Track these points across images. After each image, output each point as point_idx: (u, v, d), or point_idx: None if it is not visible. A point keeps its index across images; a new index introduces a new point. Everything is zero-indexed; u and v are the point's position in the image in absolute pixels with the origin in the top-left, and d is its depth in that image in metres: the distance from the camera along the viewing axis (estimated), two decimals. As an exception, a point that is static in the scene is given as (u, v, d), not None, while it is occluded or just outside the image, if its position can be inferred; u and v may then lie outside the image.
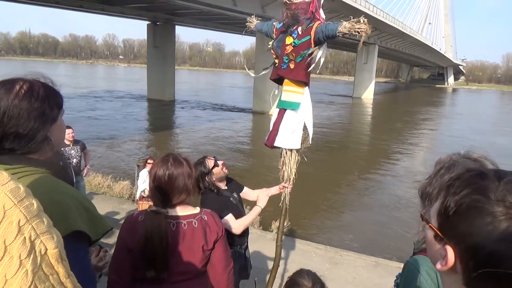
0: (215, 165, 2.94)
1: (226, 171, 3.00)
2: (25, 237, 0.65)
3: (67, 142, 5.45)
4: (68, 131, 5.39)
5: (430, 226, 0.74)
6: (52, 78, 1.23)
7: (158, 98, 35.35)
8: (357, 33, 2.45)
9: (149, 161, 6.49)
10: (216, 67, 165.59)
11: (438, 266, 0.72)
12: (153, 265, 1.67)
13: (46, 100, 1.15)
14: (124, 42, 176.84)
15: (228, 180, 3.13)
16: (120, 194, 8.49)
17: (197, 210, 1.82)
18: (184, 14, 33.37)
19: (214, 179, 2.93)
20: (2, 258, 0.63)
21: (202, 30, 55.02)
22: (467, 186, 0.68)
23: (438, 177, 1.27)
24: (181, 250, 1.71)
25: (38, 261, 0.67)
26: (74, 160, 5.63)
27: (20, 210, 0.66)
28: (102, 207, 7.10)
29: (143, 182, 6.16)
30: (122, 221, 6.82)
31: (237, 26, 40.74)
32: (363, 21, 2.44)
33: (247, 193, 3.33)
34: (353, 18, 2.50)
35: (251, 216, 2.89)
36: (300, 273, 1.78)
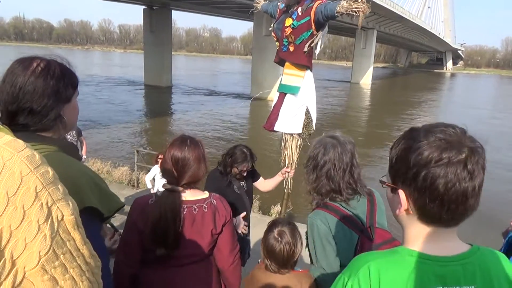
0: (242, 170, 2.93)
1: (239, 177, 2.99)
2: (42, 203, 0.67)
3: None
4: None
5: (387, 184, 0.93)
6: (68, 59, 1.25)
7: (155, 84, 35.13)
8: (354, 13, 2.41)
9: (160, 156, 6.40)
10: (213, 53, 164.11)
11: (397, 212, 0.90)
12: (165, 242, 1.69)
13: (61, 79, 1.17)
14: (120, 27, 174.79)
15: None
16: (119, 180, 8.49)
17: (206, 194, 1.84)
18: (181, -2, 32.93)
19: (232, 170, 2.97)
20: (21, 223, 0.64)
21: (198, 15, 54.46)
22: (402, 138, 0.89)
23: (317, 154, 1.76)
24: (191, 234, 1.73)
25: (56, 227, 0.69)
26: None
27: (36, 177, 0.67)
28: (102, 193, 7.10)
29: (153, 179, 5.82)
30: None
31: (233, 10, 40.28)
32: (361, 0, 2.39)
33: (260, 183, 3.29)
34: None
35: None
36: (277, 219, 2.04)
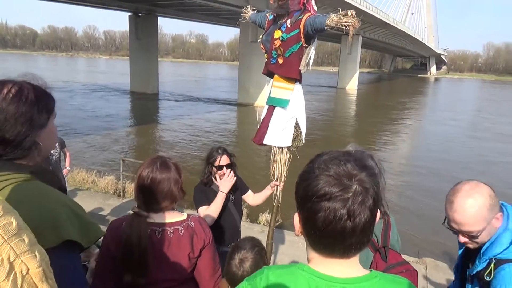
0: (219, 167, 2.89)
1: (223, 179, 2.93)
2: (2, 258, 0.63)
3: None
4: None
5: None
6: (45, 80, 1.18)
7: (141, 91, 34.84)
8: (344, 27, 2.35)
9: None
10: (200, 59, 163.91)
11: (295, 233, 0.92)
12: (130, 269, 1.61)
13: (35, 104, 1.10)
14: (105, 34, 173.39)
15: None
16: (105, 190, 8.35)
17: (184, 216, 1.76)
18: (167, 5, 32.83)
19: (211, 172, 2.94)
20: None
21: (185, 22, 54.34)
22: (307, 164, 0.89)
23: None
24: (166, 258, 1.66)
25: (19, 283, 0.64)
26: (53, 158, 5.45)
27: None
28: (87, 203, 6.97)
29: None
30: (108, 217, 6.66)
31: (220, 17, 40.33)
32: (351, 14, 2.33)
33: (249, 196, 3.27)
34: (341, 11, 2.39)
35: (215, 203, 2.79)
36: (243, 239, 1.93)
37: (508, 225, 1.49)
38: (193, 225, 1.74)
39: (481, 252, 1.54)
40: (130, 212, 1.73)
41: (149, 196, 1.68)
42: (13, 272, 0.64)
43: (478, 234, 1.50)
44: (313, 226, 0.82)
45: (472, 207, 1.46)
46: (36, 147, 1.11)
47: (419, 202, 10.23)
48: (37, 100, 1.11)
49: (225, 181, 2.85)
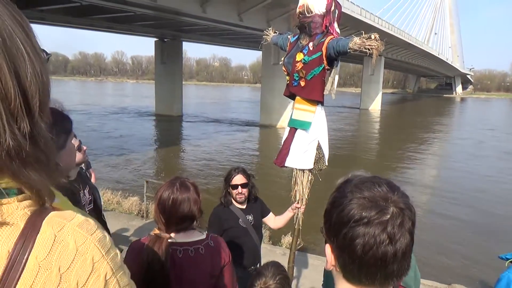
0: (235, 186, 2.91)
1: (239, 199, 2.95)
2: (99, 274, 0.62)
3: None
4: None
5: (323, 235, 0.87)
6: (61, 102, 1.24)
7: (166, 114, 35.65)
8: (367, 50, 2.32)
9: None
10: (223, 82, 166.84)
11: (326, 266, 0.86)
12: None
13: (53, 127, 1.14)
14: (133, 59, 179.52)
15: (253, 200, 3.05)
16: (129, 211, 8.46)
17: (203, 235, 1.79)
18: (191, 31, 33.82)
19: (229, 192, 2.94)
20: None
21: (208, 46, 55.71)
22: (335, 190, 0.85)
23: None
24: (188, 277, 1.68)
25: None
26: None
27: (107, 262, 0.62)
28: (111, 224, 7.04)
29: None
30: (131, 238, 6.73)
31: (243, 41, 41.14)
32: (375, 37, 2.31)
33: (270, 219, 3.24)
34: (364, 33, 2.37)
35: None
36: (266, 265, 1.87)
37: None
38: (212, 244, 1.76)
39: None
40: (151, 233, 1.75)
41: (171, 217, 1.70)
42: None
43: None
44: (352, 255, 0.76)
45: None
46: (57, 168, 1.15)
47: (455, 224, 9.86)
48: (54, 123, 1.14)
49: None
